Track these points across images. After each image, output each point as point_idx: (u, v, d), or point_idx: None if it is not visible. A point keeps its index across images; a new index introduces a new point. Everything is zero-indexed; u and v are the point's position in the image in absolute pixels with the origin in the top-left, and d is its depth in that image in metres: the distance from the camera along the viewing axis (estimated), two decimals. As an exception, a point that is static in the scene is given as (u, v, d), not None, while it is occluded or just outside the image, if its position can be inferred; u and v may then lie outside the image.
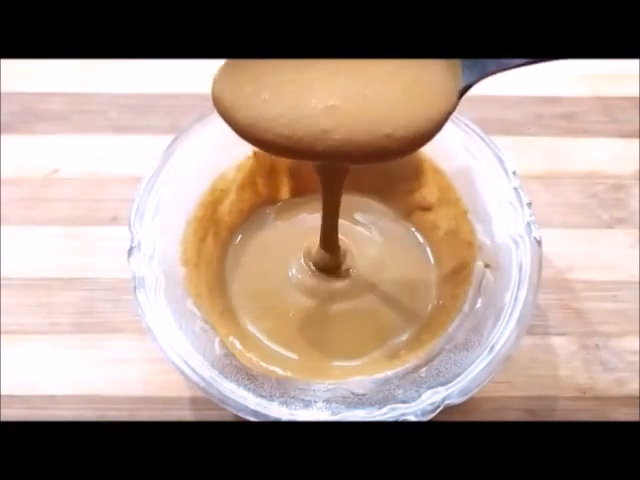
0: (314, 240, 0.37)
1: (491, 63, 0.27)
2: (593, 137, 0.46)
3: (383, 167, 0.39)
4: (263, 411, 0.30)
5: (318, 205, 0.34)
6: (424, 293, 0.37)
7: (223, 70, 0.27)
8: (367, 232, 0.40)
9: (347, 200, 0.34)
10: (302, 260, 0.38)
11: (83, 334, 0.38)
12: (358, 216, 0.40)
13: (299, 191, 0.40)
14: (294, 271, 0.38)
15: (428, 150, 0.37)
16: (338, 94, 0.26)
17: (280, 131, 0.26)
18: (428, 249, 0.39)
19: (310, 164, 0.31)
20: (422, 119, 0.26)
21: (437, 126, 0.27)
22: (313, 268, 0.38)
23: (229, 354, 0.32)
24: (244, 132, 0.26)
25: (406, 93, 0.26)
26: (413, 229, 0.39)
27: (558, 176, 0.44)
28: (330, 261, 0.37)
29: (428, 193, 0.38)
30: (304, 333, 0.36)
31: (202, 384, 0.30)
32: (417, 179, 0.38)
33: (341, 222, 0.35)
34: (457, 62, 0.27)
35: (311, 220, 0.39)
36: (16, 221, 0.42)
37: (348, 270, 0.38)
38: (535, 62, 0.26)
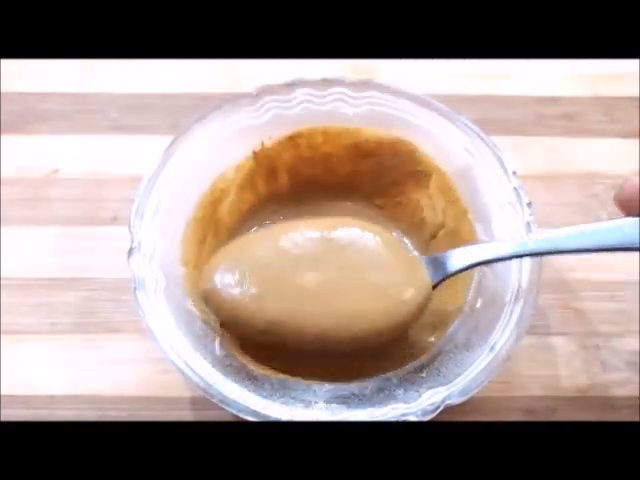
0: None
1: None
2: (593, 137, 0.46)
3: (382, 168, 0.39)
4: (263, 411, 0.30)
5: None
6: None
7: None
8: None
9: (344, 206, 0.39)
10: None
11: (83, 334, 0.38)
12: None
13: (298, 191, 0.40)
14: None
15: (428, 150, 0.37)
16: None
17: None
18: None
19: None
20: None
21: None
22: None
23: (229, 354, 0.32)
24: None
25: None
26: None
27: (558, 176, 0.44)
28: None
29: (428, 193, 0.38)
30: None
31: (202, 384, 0.30)
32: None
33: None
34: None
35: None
36: (16, 221, 0.42)
37: None
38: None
